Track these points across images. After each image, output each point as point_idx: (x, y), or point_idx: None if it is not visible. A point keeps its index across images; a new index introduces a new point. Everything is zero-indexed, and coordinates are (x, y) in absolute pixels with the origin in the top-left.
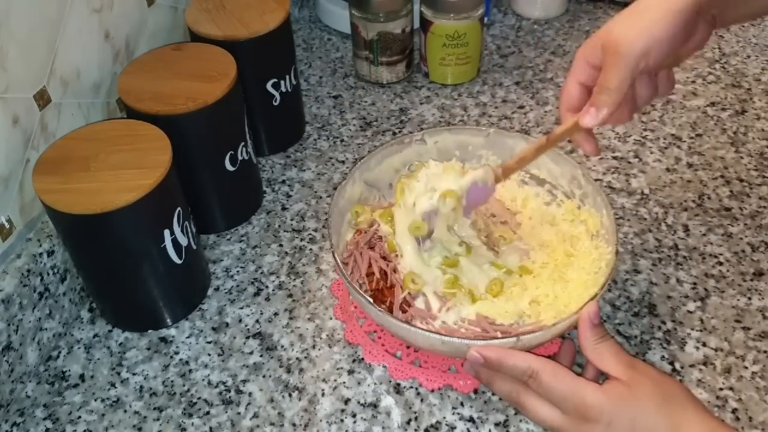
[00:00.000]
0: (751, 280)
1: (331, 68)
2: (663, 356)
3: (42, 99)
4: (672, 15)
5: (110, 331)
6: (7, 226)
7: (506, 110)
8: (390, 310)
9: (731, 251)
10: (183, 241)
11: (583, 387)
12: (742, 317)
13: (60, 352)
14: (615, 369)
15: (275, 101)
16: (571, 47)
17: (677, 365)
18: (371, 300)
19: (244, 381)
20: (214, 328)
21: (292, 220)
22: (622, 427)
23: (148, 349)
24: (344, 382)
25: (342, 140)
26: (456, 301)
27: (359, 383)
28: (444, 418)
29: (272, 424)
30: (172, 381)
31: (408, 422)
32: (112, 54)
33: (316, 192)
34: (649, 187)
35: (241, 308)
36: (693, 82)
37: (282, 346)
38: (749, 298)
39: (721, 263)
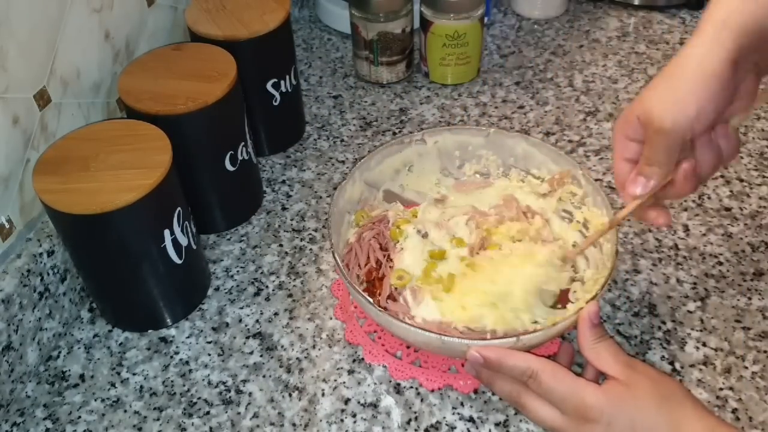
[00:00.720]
0: (751, 280)
1: (331, 68)
2: (663, 356)
3: (42, 99)
4: (708, 79)
5: (110, 331)
6: (7, 226)
7: (506, 110)
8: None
9: (731, 251)
10: (183, 241)
11: (583, 387)
12: (742, 317)
13: (60, 352)
14: (613, 369)
15: (275, 101)
16: (571, 47)
17: (677, 365)
18: (371, 300)
19: (244, 381)
20: (214, 328)
21: (292, 220)
22: (621, 427)
23: (148, 349)
24: (344, 382)
25: (342, 140)
26: (424, 293)
27: (359, 383)
28: (444, 418)
29: (272, 424)
30: (172, 381)
31: (408, 422)
32: (112, 54)
33: (316, 192)
34: None
35: (241, 308)
36: None
37: (282, 346)
38: (749, 298)
39: (721, 263)
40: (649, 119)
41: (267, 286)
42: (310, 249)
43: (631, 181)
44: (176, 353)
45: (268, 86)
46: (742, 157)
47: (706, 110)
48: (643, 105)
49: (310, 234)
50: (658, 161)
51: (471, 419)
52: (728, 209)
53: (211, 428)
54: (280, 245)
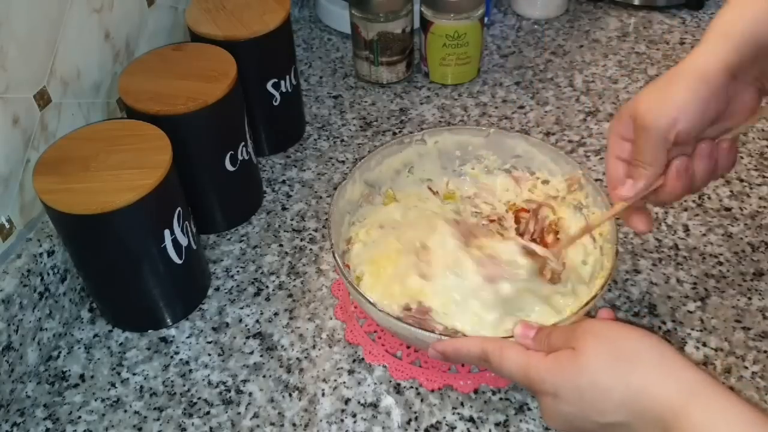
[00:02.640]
0: (751, 280)
1: (331, 68)
2: None
3: (42, 99)
4: (698, 83)
5: (110, 331)
6: (7, 226)
7: (506, 110)
8: None
9: (731, 251)
10: (183, 241)
11: (527, 362)
12: (742, 317)
13: (60, 352)
14: (566, 342)
15: (275, 101)
16: (571, 47)
17: None
18: (371, 300)
19: (244, 381)
20: (214, 328)
21: (292, 220)
22: (568, 395)
23: (148, 349)
24: (344, 382)
25: (342, 140)
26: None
27: (359, 383)
28: (444, 418)
29: (272, 424)
30: (172, 381)
31: (408, 422)
32: (112, 54)
33: (316, 192)
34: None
35: (241, 308)
36: None
37: (282, 346)
38: (749, 298)
39: (721, 263)
40: (637, 116)
41: (267, 286)
42: (310, 249)
43: (621, 184)
44: (176, 353)
45: (268, 86)
46: (742, 157)
47: (688, 112)
48: (635, 103)
49: (310, 234)
50: (644, 160)
51: (471, 419)
52: (728, 209)
53: (211, 428)
54: (280, 245)
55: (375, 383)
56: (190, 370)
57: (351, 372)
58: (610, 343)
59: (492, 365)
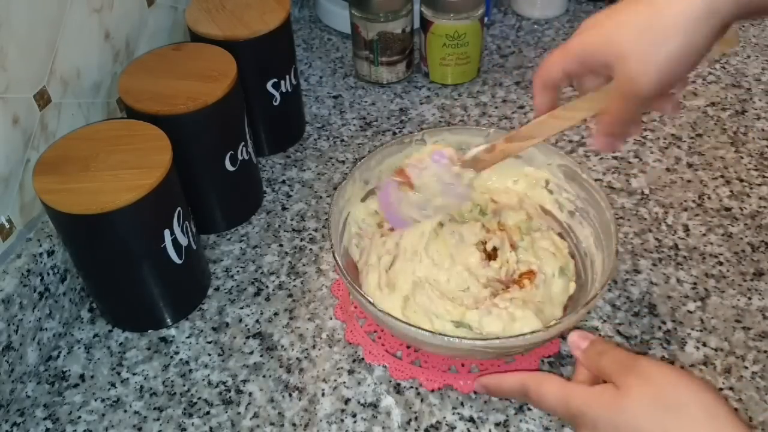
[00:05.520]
0: (751, 280)
1: (331, 68)
2: (663, 356)
3: (42, 99)
4: (697, 48)
5: (110, 331)
6: (7, 226)
7: (506, 110)
8: None
9: (731, 251)
10: (183, 241)
11: (567, 393)
12: (742, 317)
13: (60, 352)
14: (614, 376)
15: (275, 101)
16: None
17: (677, 365)
18: (371, 300)
19: (244, 381)
20: (214, 328)
21: (292, 220)
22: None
23: (148, 349)
24: (344, 382)
25: (342, 140)
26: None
27: (359, 383)
28: (444, 418)
29: (272, 424)
30: (172, 381)
31: (408, 422)
32: (112, 54)
33: (316, 192)
34: (649, 187)
35: (241, 308)
36: (693, 82)
37: (282, 346)
38: (749, 298)
39: (721, 263)
40: (625, 79)
41: (267, 286)
42: (310, 249)
43: (595, 136)
44: (176, 353)
45: (268, 86)
46: (742, 157)
47: (682, 78)
48: (614, 50)
49: (310, 234)
50: (625, 120)
51: (471, 419)
52: (728, 209)
53: (211, 428)
54: (280, 245)
55: (375, 383)
56: (190, 370)
57: (351, 372)
58: (659, 389)
59: (531, 398)
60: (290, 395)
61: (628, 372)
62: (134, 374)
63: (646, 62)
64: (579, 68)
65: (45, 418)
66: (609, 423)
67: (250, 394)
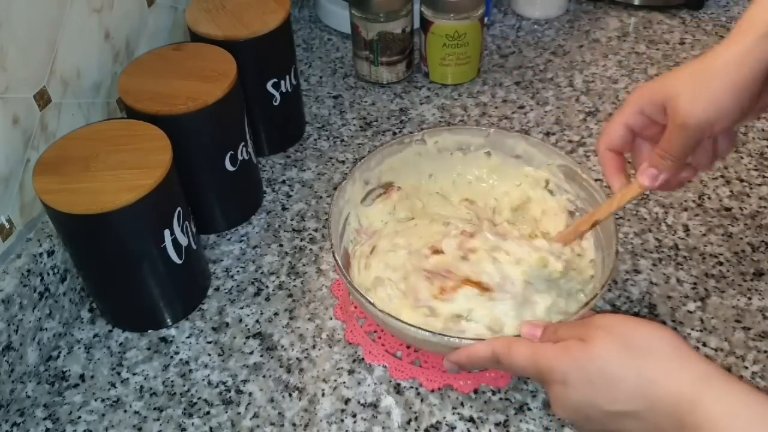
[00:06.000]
0: (751, 280)
1: (331, 68)
2: None
3: (42, 99)
4: (740, 87)
5: (110, 331)
6: (7, 226)
7: (506, 110)
8: None
9: (731, 251)
10: (183, 241)
11: (535, 353)
12: (742, 317)
13: (60, 352)
14: (575, 333)
15: (275, 101)
16: (571, 47)
17: None
18: (371, 300)
19: (244, 381)
20: (214, 328)
21: (292, 220)
22: (578, 383)
23: (148, 349)
24: (344, 382)
25: (342, 140)
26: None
27: (359, 383)
28: (444, 418)
29: (272, 424)
30: (172, 381)
31: (408, 422)
32: (112, 54)
33: (316, 192)
34: None
35: (241, 308)
36: None
37: (282, 346)
38: (749, 298)
39: (721, 263)
40: (676, 109)
41: (267, 286)
42: (310, 249)
43: (643, 172)
44: (176, 353)
45: (268, 86)
46: (742, 157)
47: (730, 115)
48: (672, 90)
49: (310, 234)
50: (674, 154)
51: (471, 419)
52: (728, 209)
53: (211, 428)
54: (280, 245)
55: (375, 383)
56: (190, 370)
57: (351, 372)
58: (621, 335)
59: (503, 364)
60: (290, 395)
61: (588, 326)
62: (134, 374)
63: (695, 97)
64: (639, 119)
65: (45, 418)
66: (580, 373)
67: (250, 394)
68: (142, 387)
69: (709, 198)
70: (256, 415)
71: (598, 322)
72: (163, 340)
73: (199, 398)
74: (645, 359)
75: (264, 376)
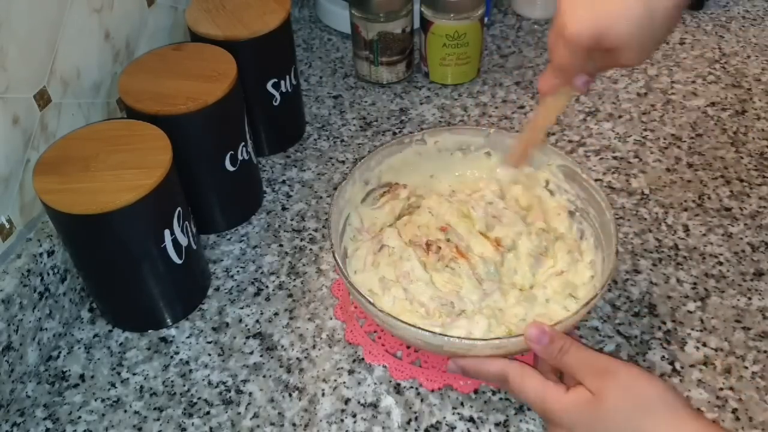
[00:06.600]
0: (751, 280)
1: (331, 68)
2: (663, 356)
3: (42, 99)
4: (632, 11)
5: (110, 331)
6: (7, 226)
7: (506, 110)
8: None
9: (731, 251)
10: (183, 241)
11: (545, 392)
12: (742, 317)
13: (60, 352)
14: (584, 379)
15: (275, 101)
16: None
17: (677, 365)
18: (371, 300)
19: (244, 381)
20: (214, 328)
21: (292, 220)
22: None
23: (148, 349)
24: (344, 382)
25: (342, 140)
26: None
27: (359, 383)
28: (444, 418)
29: (272, 424)
30: (172, 381)
31: (408, 422)
32: (112, 54)
33: (316, 192)
34: (649, 187)
35: (241, 308)
36: (693, 82)
37: (282, 346)
38: (749, 298)
39: (721, 263)
40: (563, 24)
41: (267, 286)
42: (310, 249)
43: (540, 79)
44: (176, 353)
45: (268, 86)
46: (742, 158)
47: (620, 46)
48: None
49: (310, 234)
50: (562, 63)
51: (471, 419)
52: (728, 209)
53: (211, 428)
54: (280, 245)
55: (375, 383)
56: (190, 370)
57: (351, 372)
58: (630, 392)
59: (512, 387)
60: (290, 395)
61: (599, 377)
62: (134, 374)
63: (582, 15)
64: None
65: (45, 418)
66: (586, 429)
67: (250, 394)
68: (142, 387)
69: (709, 198)
70: (256, 415)
71: (609, 372)
72: (163, 340)
73: (199, 398)
74: (646, 418)
75: (264, 376)
